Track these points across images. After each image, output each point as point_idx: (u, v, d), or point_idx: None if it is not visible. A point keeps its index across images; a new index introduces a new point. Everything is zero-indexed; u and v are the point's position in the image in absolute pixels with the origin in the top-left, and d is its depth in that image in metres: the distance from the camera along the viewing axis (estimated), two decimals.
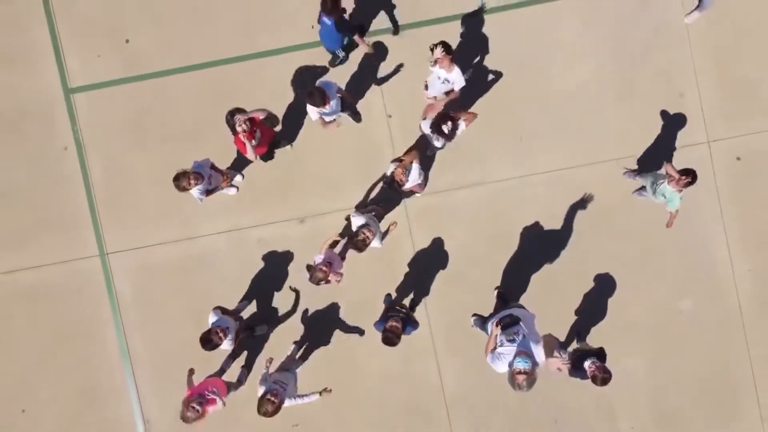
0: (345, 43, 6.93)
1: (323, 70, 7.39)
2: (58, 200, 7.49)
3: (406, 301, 7.35)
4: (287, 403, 6.14)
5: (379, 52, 7.42)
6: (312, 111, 6.36)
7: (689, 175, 5.90)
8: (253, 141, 6.45)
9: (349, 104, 6.97)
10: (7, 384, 7.52)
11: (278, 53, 7.40)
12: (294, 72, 7.40)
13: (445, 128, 6.03)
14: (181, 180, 6.09)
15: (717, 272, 7.33)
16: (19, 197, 7.48)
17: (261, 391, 6.06)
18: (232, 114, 6.45)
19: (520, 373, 5.42)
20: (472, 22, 7.39)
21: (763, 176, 7.30)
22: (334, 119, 6.76)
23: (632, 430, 7.40)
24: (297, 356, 7.25)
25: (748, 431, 7.36)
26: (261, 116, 6.49)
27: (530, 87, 7.37)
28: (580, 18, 7.37)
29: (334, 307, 7.40)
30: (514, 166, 7.41)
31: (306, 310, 7.42)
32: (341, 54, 7.12)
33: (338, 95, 6.45)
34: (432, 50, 6.17)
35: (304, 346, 7.39)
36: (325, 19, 6.43)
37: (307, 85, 6.49)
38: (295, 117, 7.38)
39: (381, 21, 7.45)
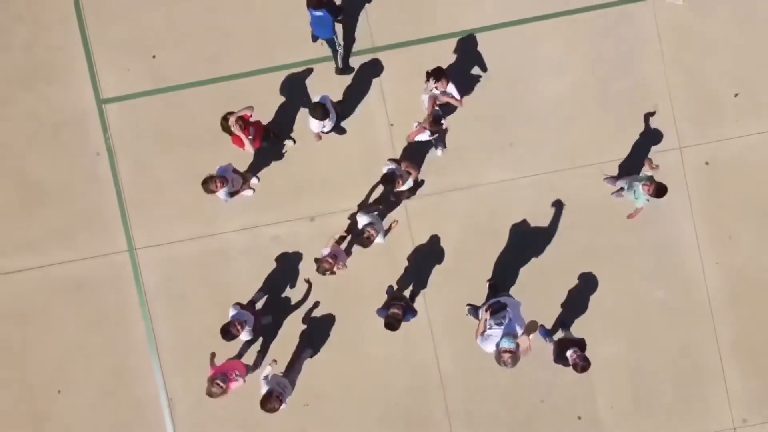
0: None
1: (332, 83, 8.18)
2: (91, 201, 8.28)
3: (407, 292, 8.12)
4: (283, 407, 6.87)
5: (381, 66, 8.21)
6: (314, 124, 7.17)
7: (661, 191, 6.67)
8: (249, 136, 7.24)
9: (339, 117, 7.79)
10: (45, 367, 8.30)
11: (292, 67, 8.18)
12: (306, 84, 8.18)
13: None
14: (209, 183, 6.88)
15: (687, 266, 8.09)
16: (57, 198, 8.28)
17: (264, 389, 6.83)
18: (225, 119, 7.23)
19: (505, 351, 6.21)
20: (466, 40, 8.17)
21: (728, 179, 8.05)
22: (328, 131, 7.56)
23: (611, 409, 8.15)
24: (297, 366, 7.92)
25: (715, 410, 8.11)
26: (249, 113, 7.27)
27: (518, 98, 8.14)
28: (562, 36, 8.15)
29: (341, 297, 8.16)
30: (504, 170, 8.18)
31: (317, 301, 8.20)
32: (338, 41, 7.75)
33: (333, 109, 7.27)
34: (427, 79, 6.98)
35: (313, 334, 8.18)
36: (315, 12, 7.13)
37: (313, 98, 7.32)
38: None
39: (383, 38, 8.23)
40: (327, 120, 7.13)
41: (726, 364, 8.09)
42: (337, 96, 8.08)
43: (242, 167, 8.02)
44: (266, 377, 6.97)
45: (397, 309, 6.98)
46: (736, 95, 8.05)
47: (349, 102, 8.19)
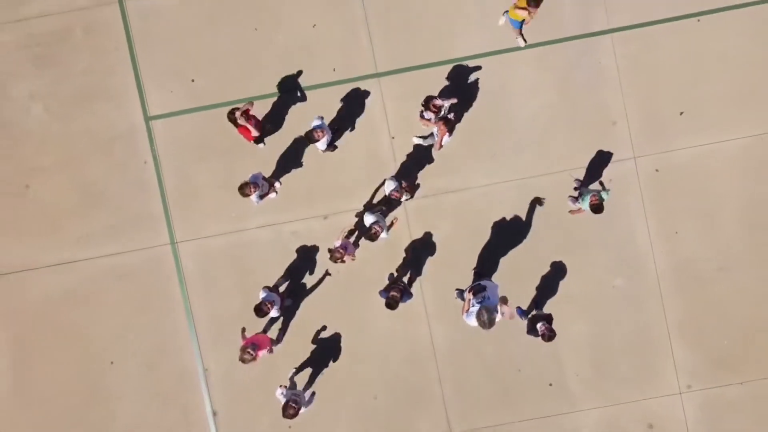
0: None
1: (340, 103, 9.72)
2: (139, 202, 9.81)
3: (405, 279, 9.66)
4: (302, 411, 8.47)
5: (384, 88, 9.74)
6: (318, 144, 8.79)
7: (597, 209, 8.30)
8: (251, 127, 8.80)
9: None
10: (99, 343, 9.82)
11: (312, 89, 9.72)
12: (324, 103, 9.72)
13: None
14: (244, 189, 8.43)
15: (641, 257, 9.61)
16: (110, 200, 9.80)
17: (282, 400, 8.40)
18: (232, 112, 8.73)
19: (483, 318, 7.72)
20: (456, 66, 9.70)
21: (675, 184, 9.57)
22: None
23: (577, 376, 9.68)
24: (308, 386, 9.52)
25: (664, 377, 9.64)
26: (250, 107, 8.82)
27: (500, 116, 9.66)
28: (537, 64, 9.66)
29: (349, 282, 9.68)
30: (488, 176, 9.69)
31: (329, 285, 9.73)
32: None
33: (329, 129, 8.89)
34: (422, 113, 8.55)
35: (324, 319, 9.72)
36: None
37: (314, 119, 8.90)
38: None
39: (385, 65, 9.77)
40: (323, 140, 8.74)
41: (673, 340, 9.62)
42: (347, 112, 9.63)
43: (266, 173, 9.57)
44: (282, 392, 8.54)
45: (395, 291, 8.54)
46: (681, 113, 9.58)
47: (355, 119, 9.72)
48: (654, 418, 9.67)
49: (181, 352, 9.84)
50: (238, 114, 8.65)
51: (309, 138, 8.67)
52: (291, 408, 8.33)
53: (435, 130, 8.96)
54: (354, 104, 9.74)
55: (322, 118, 8.99)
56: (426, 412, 9.73)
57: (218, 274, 9.80)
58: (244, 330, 8.97)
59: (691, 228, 9.63)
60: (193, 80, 9.80)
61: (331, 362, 9.78)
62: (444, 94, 9.48)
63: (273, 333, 9.64)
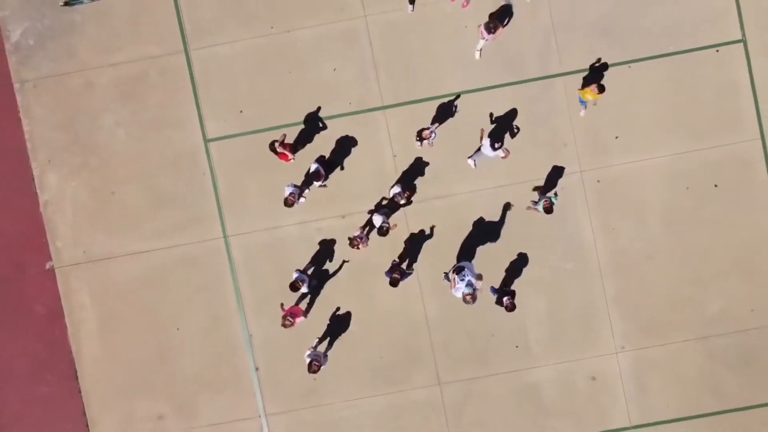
0: None
1: (353, 130, 12.61)
2: (199, 204, 12.69)
3: (403, 265, 12.53)
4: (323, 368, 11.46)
5: (388, 118, 12.63)
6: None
7: (548, 210, 11.19)
8: (288, 152, 11.78)
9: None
10: (168, 314, 12.69)
11: (333, 118, 12.62)
12: (343, 129, 12.60)
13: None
14: (287, 200, 11.32)
15: (586, 248, 12.48)
16: (176, 203, 12.68)
17: (308, 360, 11.28)
18: (272, 144, 11.68)
19: (467, 294, 10.64)
20: (445, 101, 12.61)
21: (612, 191, 12.41)
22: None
23: (537, 341, 12.54)
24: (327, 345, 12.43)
25: (604, 340, 12.50)
26: (284, 138, 11.75)
27: (475, 144, 12.54)
28: (507, 98, 12.55)
29: (361, 268, 12.52)
30: (468, 186, 12.56)
31: (346, 270, 12.60)
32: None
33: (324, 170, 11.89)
34: (419, 138, 11.48)
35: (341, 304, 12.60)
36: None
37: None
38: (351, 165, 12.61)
39: (389, 99, 12.66)
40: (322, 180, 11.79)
41: (610, 312, 12.48)
42: (360, 136, 12.53)
43: (297, 181, 12.47)
44: (308, 354, 11.43)
45: (396, 274, 11.45)
46: (617, 138, 12.47)
47: (366, 140, 12.60)
48: (596, 372, 12.53)
49: (231, 321, 12.72)
50: (276, 145, 11.59)
51: (286, 203, 11.51)
52: (314, 366, 11.23)
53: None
54: (365, 130, 12.63)
55: (294, 185, 11.83)
56: (420, 367, 12.60)
57: (260, 261, 12.68)
58: (282, 305, 11.88)
59: (624, 225, 12.50)
60: (241, 111, 12.71)
61: (346, 330, 12.65)
62: (435, 119, 12.36)
63: (303, 306, 12.52)
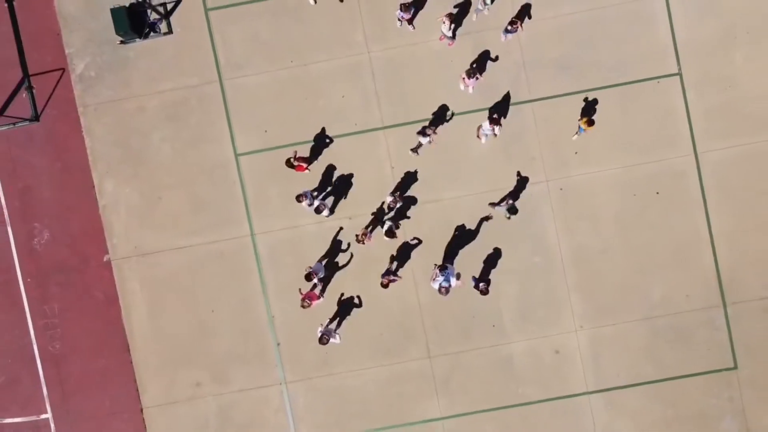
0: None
1: (362, 147, 15.23)
2: (230, 208, 15.29)
3: (399, 259, 15.14)
4: (331, 341, 14.10)
5: (388, 136, 15.25)
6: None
7: (513, 210, 13.85)
8: (303, 163, 14.40)
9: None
10: (204, 299, 15.30)
11: (342, 136, 15.24)
12: (350, 146, 15.22)
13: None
14: (299, 198, 13.95)
15: (551, 244, 15.10)
16: (211, 206, 15.29)
17: (319, 334, 13.93)
18: (289, 160, 14.32)
19: (443, 287, 13.30)
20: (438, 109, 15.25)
21: (573, 198, 15.02)
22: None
23: (510, 321, 15.14)
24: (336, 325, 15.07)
25: (565, 320, 15.11)
26: (296, 154, 14.36)
27: (463, 153, 15.14)
28: (485, 120, 15.20)
29: (365, 261, 15.12)
30: (455, 192, 15.18)
31: (352, 263, 15.21)
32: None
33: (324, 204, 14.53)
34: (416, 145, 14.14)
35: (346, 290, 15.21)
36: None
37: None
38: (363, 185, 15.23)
39: (389, 120, 15.28)
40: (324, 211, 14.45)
41: (571, 296, 15.11)
42: (363, 151, 15.15)
43: (310, 187, 15.10)
44: (320, 330, 14.06)
45: (386, 280, 14.08)
46: (576, 153, 15.10)
47: (368, 155, 15.22)
48: (559, 347, 15.15)
49: (256, 305, 15.33)
50: (293, 160, 14.23)
51: (317, 210, 14.37)
52: (324, 339, 13.87)
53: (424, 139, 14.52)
54: (368, 146, 15.25)
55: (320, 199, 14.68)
56: (413, 343, 15.22)
57: (281, 254, 15.30)
58: (300, 290, 14.49)
59: (582, 225, 15.12)
60: (266, 131, 15.34)
61: (352, 312, 15.25)
62: (432, 123, 15.00)
63: (317, 291, 15.15)
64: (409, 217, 15.13)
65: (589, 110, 15.01)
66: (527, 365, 15.19)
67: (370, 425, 15.22)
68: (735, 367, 15.01)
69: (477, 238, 15.16)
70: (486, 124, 14.39)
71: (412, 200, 15.21)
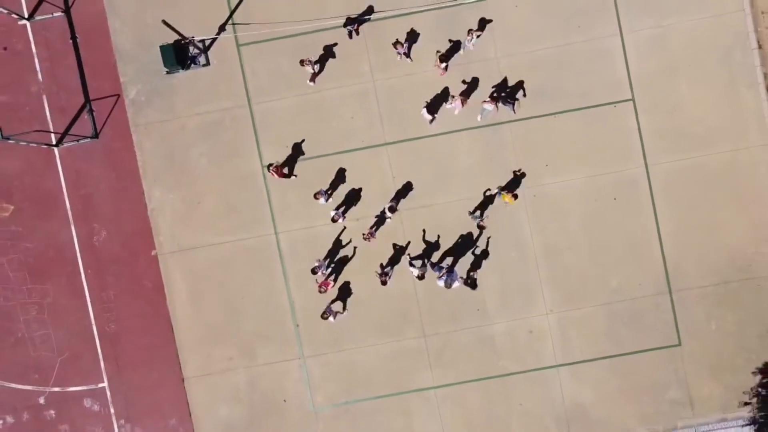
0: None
1: (368, 159, 18.21)
2: (257, 210, 18.21)
3: (388, 267, 18.11)
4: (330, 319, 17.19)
5: (390, 151, 18.21)
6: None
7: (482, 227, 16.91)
8: (284, 174, 17.39)
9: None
10: (236, 287, 18.24)
11: (350, 152, 18.21)
12: (358, 159, 18.19)
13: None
14: (316, 195, 16.97)
15: (526, 241, 18.04)
16: (241, 209, 18.22)
17: (322, 313, 17.00)
18: (268, 167, 17.33)
19: (446, 283, 16.34)
20: (428, 139, 18.20)
21: (544, 202, 17.95)
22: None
23: (492, 306, 18.07)
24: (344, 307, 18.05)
25: (537, 305, 18.06)
26: (277, 163, 17.35)
27: (450, 166, 18.09)
28: (471, 139, 18.16)
29: (369, 256, 18.06)
30: (445, 197, 18.12)
31: (357, 257, 18.15)
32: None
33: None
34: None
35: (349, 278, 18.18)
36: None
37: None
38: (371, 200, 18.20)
39: (391, 137, 18.26)
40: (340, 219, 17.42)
41: (542, 285, 18.06)
42: (369, 163, 18.12)
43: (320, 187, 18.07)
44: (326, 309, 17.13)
45: (383, 277, 17.09)
46: (547, 165, 18.06)
47: (373, 167, 18.18)
48: (533, 327, 18.10)
49: (279, 292, 18.28)
50: (272, 169, 17.28)
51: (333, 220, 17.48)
52: (325, 315, 16.92)
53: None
54: (373, 159, 18.22)
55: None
56: (411, 324, 18.18)
57: (300, 250, 18.24)
58: (316, 281, 17.47)
59: (552, 226, 18.07)
60: (287, 146, 18.31)
61: (356, 299, 18.21)
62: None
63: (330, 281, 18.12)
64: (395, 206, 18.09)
65: (513, 185, 17.97)
66: (506, 342, 18.13)
67: (374, 393, 18.19)
68: (679, 344, 17.96)
69: (464, 237, 18.10)
70: (487, 104, 17.40)
71: (401, 196, 18.17)
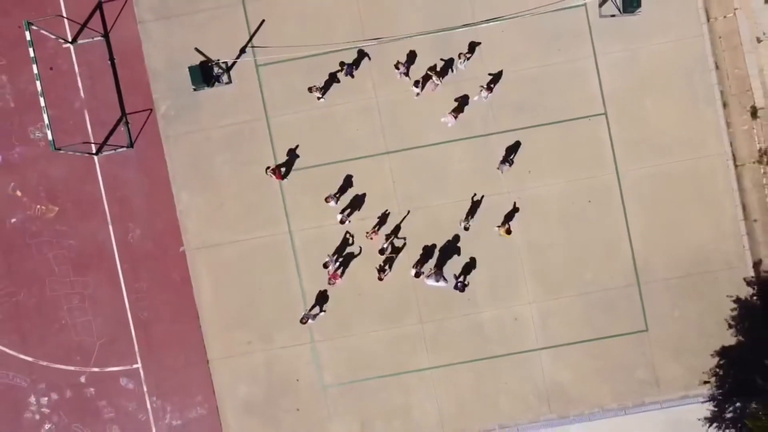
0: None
1: (371, 166, 20.59)
2: (272, 212, 20.58)
3: (387, 266, 20.48)
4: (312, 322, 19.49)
5: (391, 160, 20.60)
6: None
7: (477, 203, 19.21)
8: (281, 176, 19.79)
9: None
10: (253, 279, 20.61)
11: (357, 159, 20.58)
12: (363, 166, 20.56)
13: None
14: (326, 198, 19.37)
15: (511, 239, 20.40)
16: (259, 210, 20.59)
17: (301, 315, 19.36)
18: (267, 169, 19.73)
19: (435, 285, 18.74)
20: (423, 150, 20.58)
21: (528, 205, 20.35)
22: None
23: (481, 296, 20.43)
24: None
25: (521, 296, 20.42)
26: (275, 167, 19.74)
27: (444, 171, 20.47)
28: (463, 149, 20.52)
29: (371, 253, 20.45)
30: (439, 200, 20.47)
31: (362, 253, 20.53)
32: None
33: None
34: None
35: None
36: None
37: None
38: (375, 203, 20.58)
39: (392, 146, 20.63)
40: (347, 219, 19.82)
41: (526, 278, 20.42)
42: (372, 170, 20.50)
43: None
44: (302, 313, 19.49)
45: (381, 275, 19.47)
46: (529, 172, 20.42)
47: (376, 173, 20.54)
48: (517, 315, 20.46)
49: (293, 284, 20.64)
50: (270, 171, 19.64)
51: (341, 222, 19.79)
52: (304, 320, 19.28)
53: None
54: (375, 166, 20.58)
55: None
56: (409, 312, 20.54)
57: (311, 246, 20.60)
58: (328, 273, 19.86)
59: (534, 225, 20.42)
60: (300, 155, 20.68)
61: (361, 290, 20.57)
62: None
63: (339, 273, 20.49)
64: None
65: (509, 218, 20.27)
66: (493, 328, 20.49)
67: (377, 373, 20.55)
68: (646, 330, 20.32)
69: (455, 237, 20.47)
70: (484, 92, 19.86)
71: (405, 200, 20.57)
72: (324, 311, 20.25)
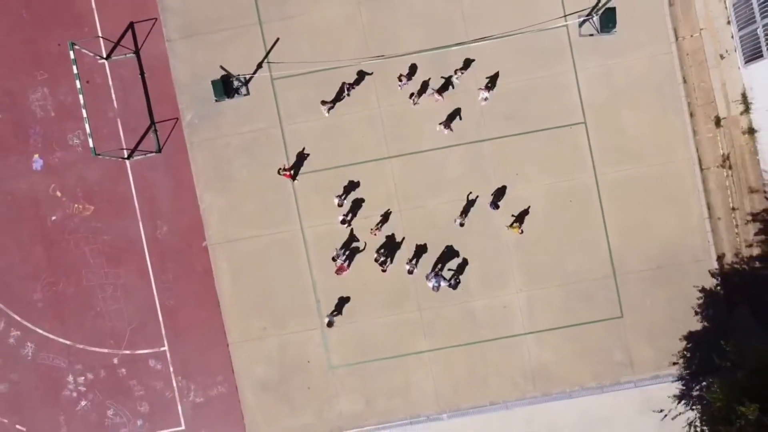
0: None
1: (374, 169, 22.91)
2: (285, 210, 22.88)
3: (388, 259, 22.79)
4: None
5: (392, 163, 22.91)
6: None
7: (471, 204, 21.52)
8: (291, 176, 22.09)
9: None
10: (269, 270, 22.90)
11: (362, 163, 22.90)
12: (368, 169, 22.89)
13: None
14: (334, 198, 21.68)
15: (501, 235, 22.72)
16: (273, 210, 22.85)
17: (326, 320, 21.66)
18: (279, 170, 22.05)
19: (434, 287, 21.12)
20: (420, 155, 22.91)
21: (515, 204, 22.68)
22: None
23: (474, 286, 22.75)
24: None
25: (510, 284, 22.73)
26: (287, 166, 22.05)
27: (440, 173, 22.77)
28: (459, 153, 22.84)
29: (376, 245, 22.75)
30: (436, 201, 22.78)
31: (366, 249, 22.83)
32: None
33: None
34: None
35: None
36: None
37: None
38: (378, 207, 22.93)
39: (393, 151, 22.96)
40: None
41: (514, 270, 22.73)
42: (375, 173, 22.82)
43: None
44: (326, 318, 21.80)
45: (383, 269, 21.79)
46: (517, 174, 22.75)
47: (378, 176, 22.86)
48: (506, 303, 22.75)
49: (304, 275, 22.93)
50: (281, 170, 21.95)
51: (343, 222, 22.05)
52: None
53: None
54: (378, 169, 22.90)
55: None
56: (408, 300, 22.84)
57: (321, 241, 22.90)
58: (336, 266, 22.17)
59: (525, 224, 22.74)
60: (311, 159, 23.01)
61: (366, 280, 22.85)
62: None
63: (346, 265, 22.80)
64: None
65: (521, 217, 22.56)
66: (486, 316, 22.80)
67: (380, 355, 22.86)
68: (621, 317, 22.62)
69: (450, 239, 22.77)
70: (483, 92, 22.11)
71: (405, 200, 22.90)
72: (341, 314, 22.59)
